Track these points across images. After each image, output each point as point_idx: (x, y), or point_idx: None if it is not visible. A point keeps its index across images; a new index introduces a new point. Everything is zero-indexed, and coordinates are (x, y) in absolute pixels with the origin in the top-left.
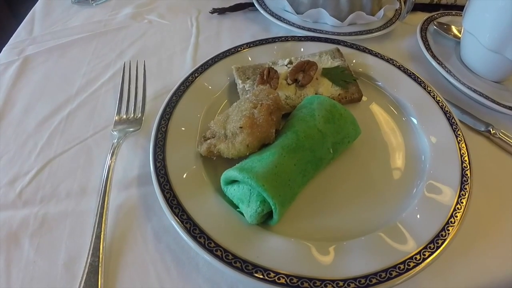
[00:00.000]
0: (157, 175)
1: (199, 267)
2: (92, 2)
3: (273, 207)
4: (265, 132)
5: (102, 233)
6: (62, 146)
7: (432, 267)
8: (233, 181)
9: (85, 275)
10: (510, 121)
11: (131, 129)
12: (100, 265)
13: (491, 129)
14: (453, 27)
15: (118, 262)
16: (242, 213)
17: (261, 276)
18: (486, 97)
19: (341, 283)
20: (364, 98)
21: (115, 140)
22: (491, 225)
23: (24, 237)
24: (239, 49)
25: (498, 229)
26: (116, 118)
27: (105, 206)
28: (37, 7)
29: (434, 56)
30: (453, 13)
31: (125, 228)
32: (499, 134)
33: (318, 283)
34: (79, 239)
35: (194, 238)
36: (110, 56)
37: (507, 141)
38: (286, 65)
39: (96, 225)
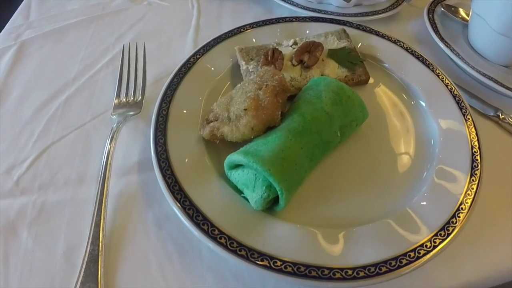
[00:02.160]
0: (158, 160)
1: (202, 255)
2: None
3: (279, 193)
4: (271, 115)
5: (102, 221)
6: (59, 132)
7: (439, 255)
8: (237, 166)
9: (84, 264)
10: None
11: (131, 113)
12: (100, 254)
13: (500, 114)
14: (460, 9)
15: (119, 251)
16: (246, 199)
17: (267, 265)
18: (496, 81)
19: (350, 272)
20: (371, 81)
21: (115, 125)
22: (500, 212)
23: (23, 226)
24: (242, 29)
25: (508, 217)
26: (116, 101)
27: (104, 193)
28: None
29: (442, 39)
30: None
31: (125, 216)
32: (508, 119)
33: (326, 271)
34: (78, 227)
35: (197, 225)
36: (108, 40)
37: None
38: (291, 46)
39: (95, 213)
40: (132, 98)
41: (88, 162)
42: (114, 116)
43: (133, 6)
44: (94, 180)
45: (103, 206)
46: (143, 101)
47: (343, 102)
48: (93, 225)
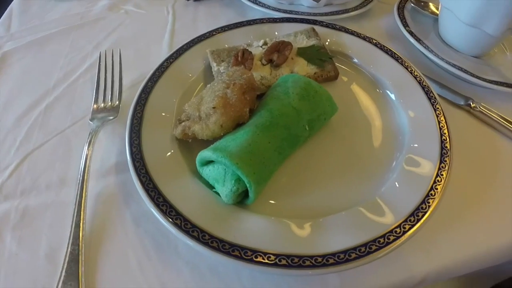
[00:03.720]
0: (133, 160)
1: (179, 250)
2: None
3: (248, 186)
4: (239, 112)
5: (82, 222)
6: (41, 139)
7: (415, 241)
8: (208, 162)
9: (65, 264)
10: (490, 94)
11: (108, 117)
12: (80, 253)
13: (471, 103)
14: (430, 4)
15: (98, 250)
16: (218, 194)
17: (238, 255)
18: (466, 71)
19: (319, 259)
20: (341, 76)
21: (92, 129)
22: (474, 197)
23: (6, 230)
24: (214, 33)
25: (481, 202)
26: (94, 107)
27: (83, 195)
28: (14, 3)
29: (411, 33)
30: None
31: (104, 216)
32: (480, 108)
33: (296, 259)
34: (60, 229)
35: (171, 220)
36: (87, 48)
37: (487, 114)
38: (261, 47)
39: (75, 215)
40: (109, 103)
41: (68, 166)
42: (93, 121)
43: (110, 15)
44: (74, 183)
45: (82, 208)
46: (120, 105)
47: (310, 97)
48: (73, 226)
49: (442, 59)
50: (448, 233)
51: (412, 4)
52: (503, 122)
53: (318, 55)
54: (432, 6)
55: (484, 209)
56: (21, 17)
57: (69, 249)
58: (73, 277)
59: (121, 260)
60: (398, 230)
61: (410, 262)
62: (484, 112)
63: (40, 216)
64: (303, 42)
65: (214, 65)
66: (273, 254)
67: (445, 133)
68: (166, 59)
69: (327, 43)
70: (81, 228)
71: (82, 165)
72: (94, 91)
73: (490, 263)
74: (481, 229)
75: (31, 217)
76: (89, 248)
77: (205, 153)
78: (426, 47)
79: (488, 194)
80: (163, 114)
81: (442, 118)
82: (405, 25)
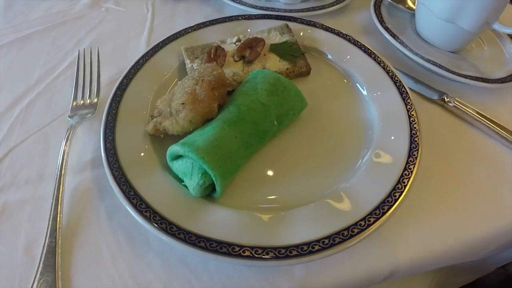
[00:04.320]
0: (107, 155)
1: (150, 242)
2: None
3: (214, 179)
4: (207, 107)
5: (59, 215)
6: (21, 135)
7: (383, 234)
8: (178, 157)
9: (43, 257)
10: (466, 89)
11: (86, 114)
12: (57, 246)
13: (445, 98)
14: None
15: (74, 242)
16: (187, 187)
17: (204, 246)
18: (440, 66)
19: (283, 251)
20: (316, 74)
21: (70, 126)
22: (445, 191)
23: None
24: (189, 30)
25: (452, 196)
26: (73, 104)
27: (60, 189)
28: None
29: (387, 29)
30: None
31: (80, 209)
32: (454, 102)
33: (259, 251)
34: (38, 223)
35: (140, 212)
36: (68, 46)
37: (461, 108)
38: (235, 43)
39: (52, 209)
40: (88, 100)
41: (47, 162)
42: (71, 118)
43: (91, 12)
44: (52, 178)
45: (59, 202)
46: (98, 102)
47: (279, 92)
48: (50, 220)
49: (417, 54)
50: (417, 227)
51: (389, 0)
52: (477, 116)
53: (290, 51)
54: (409, 2)
55: (455, 203)
56: (5, 15)
57: (46, 242)
58: (50, 269)
59: (95, 252)
60: (362, 223)
61: (378, 255)
62: (458, 107)
63: (19, 210)
64: (276, 38)
65: (188, 62)
66: (238, 246)
67: (415, 128)
68: (142, 57)
69: (301, 39)
70: (58, 222)
71: (59, 161)
72: (73, 89)
73: (461, 258)
74: (451, 223)
75: (10, 211)
76: (65, 240)
77: (174, 148)
78: (401, 43)
79: (459, 188)
80: (138, 110)
81: (413, 112)
82: (381, 20)
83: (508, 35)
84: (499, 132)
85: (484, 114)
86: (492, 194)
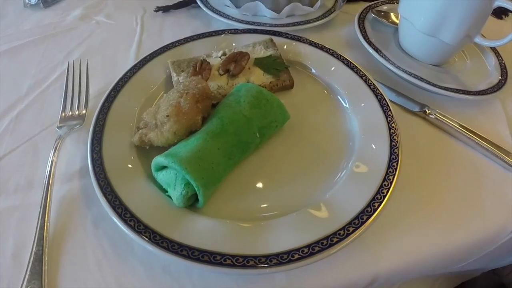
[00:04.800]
0: (94, 166)
1: (135, 250)
2: (44, 5)
3: (196, 189)
4: (191, 120)
5: (46, 224)
6: (11, 145)
7: (364, 243)
8: (162, 167)
9: (30, 264)
10: (448, 101)
11: (75, 125)
12: (44, 253)
13: (426, 110)
14: (392, 14)
15: (60, 250)
16: (171, 197)
17: (186, 254)
18: (421, 79)
19: (263, 259)
20: (299, 87)
21: (59, 136)
22: (425, 200)
23: None
24: (176, 44)
25: (432, 205)
26: (62, 114)
27: (48, 198)
28: None
29: (370, 43)
30: (394, 1)
31: (67, 218)
32: (435, 114)
33: (240, 259)
34: (26, 230)
35: (125, 221)
36: (58, 57)
37: (441, 120)
38: (220, 57)
39: (40, 217)
40: (76, 112)
41: (35, 171)
42: (60, 129)
43: (82, 25)
44: (40, 187)
45: (47, 210)
46: (86, 113)
47: (261, 105)
48: (38, 228)
49: (399, 68)
50: (397, 235)
51: (373, 15)
52: (457, 127)
53: (274, 65)
54: (393, 16)
55: (435, 212)
56: None
57: (33, 249)
58: (36, 276)
59: (81, 259)
60: (341, 232)
61: (358, 263)
62: (439, 118)
63: (8, 218)
64: (260, 52)
65: (174, 75)
66: (219, 254)
67: (395, 139)
68: (130, 69)
69: (285, 53)
70: (45, 230)
71: (47, 171)
72: (62, 100)
73: (441, 266)
74: (429, 231)
75: None
76: (52, 248)
77: (158, 159)
78: (384, 57)
79: (440, 196)
80: (124, 122)
81: (394, 124)
82: (365, 35)
83: (491, 48)
84: (479, 143)
85: (465, 125)
86: (472, 202)
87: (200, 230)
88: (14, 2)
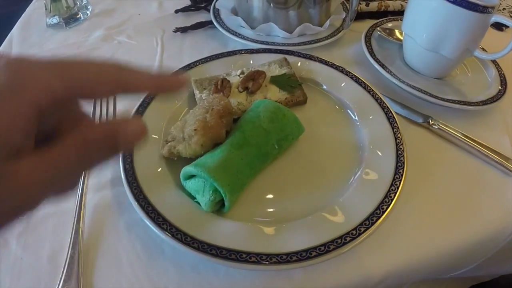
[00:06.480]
0: (126, 175)
1: (165, 251)
2: (66, 25)
3: (223, 195)
4: (216, 133)
5: (80, 228)
6: None
7: (373, 243)
8: (190, 176)
9: (66, 266)
10: (450, 112)
11: None
12: (79, 256)
13: (430, 121)
14: (396, 31)
15: (95, 253)
16: (199, 203)
17: (215, 253)
18: (425, 92)
19: (284, 256)
20: (312, 102)
21: None
22: (430, 205)
23: (12, 237)
24: (197, 63)
25: (435, 209)
26: None
27: (82, 205)
28: (14, 31)
29: (376, 59)
30: (398, 19)
31: (100, 223)
32: (438, 125)
33: (264, 257)
34: (61, 235)
35: (158, 225)
36: None
37: (444, 130)
38: (239, 75)
39: (75, 222)
40: None
41: None
42: None
43: (104, 45)
44: (73, 196)
45: (81, 216)
46: None
47: (279, 119)
48: (73, 232)
49: (404, 82)
50: (402, 236)
51: (379, 32)
52: (459, 136)
53: (288, 82)
54: (397, 33)
55: (437, 216)
56: (21, 45)
57: (69, 252)
58: (73, 277)
59: (114, 261)
60: (354, 232)
61: (367, 262)
62: (442, 128)
63: (43, 224)
64: (276, 70)
65: (197, 92)
66: (245, 253)
67: (401, 148)
68: None
69: (298, 71)
70: (80, 234)
71: (81, 180)
72: (91, 117)
73: (449, 269)
74: (431, 235)
75: (35, 225)
76: (87, 251)
77: (188, 169)
78: (389, 72)
79: (442, 201)
80: (152, 136)
81: (399, 135)
82: (371, 52)
83: (491, 60)
84: (480, 150)
85: (466, 134)
86: (473, 207)
87: (226, 232)
88: (38, 23)
